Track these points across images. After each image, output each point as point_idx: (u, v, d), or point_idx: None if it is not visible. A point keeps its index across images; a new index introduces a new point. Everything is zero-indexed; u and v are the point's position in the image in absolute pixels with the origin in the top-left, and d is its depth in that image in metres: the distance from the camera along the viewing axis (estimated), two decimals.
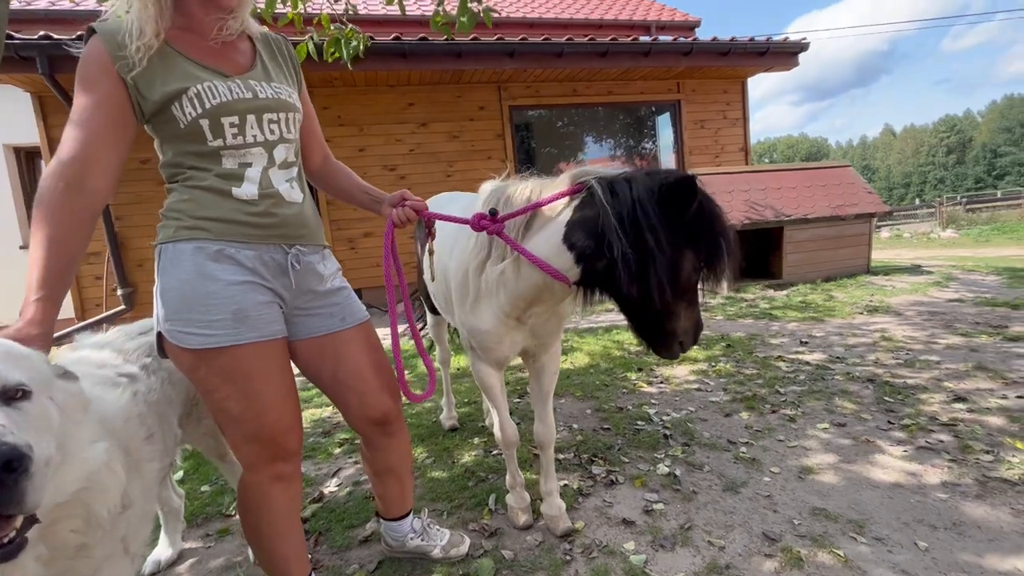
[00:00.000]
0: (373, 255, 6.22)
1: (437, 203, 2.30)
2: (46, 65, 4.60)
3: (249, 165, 1.15)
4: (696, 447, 2.20)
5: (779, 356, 3.31)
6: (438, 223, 1.54)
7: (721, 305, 5.01)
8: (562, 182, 1.35)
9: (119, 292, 5.48)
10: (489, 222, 1.35)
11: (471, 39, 5.72)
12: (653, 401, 2.73)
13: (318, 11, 3.67)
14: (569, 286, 1.32)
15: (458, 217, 1.43)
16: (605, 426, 2.47)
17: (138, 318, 1.47)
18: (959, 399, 2.45)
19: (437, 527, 1.64)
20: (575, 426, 2.50)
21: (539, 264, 1.31)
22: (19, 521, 0.58)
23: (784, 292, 5.35)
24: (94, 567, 0.79)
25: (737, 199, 5.53)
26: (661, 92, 7.33)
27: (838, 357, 3.19)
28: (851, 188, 5.99)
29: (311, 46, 3.41)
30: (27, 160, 7.43)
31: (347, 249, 6.25)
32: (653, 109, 7.64)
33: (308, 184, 1.36)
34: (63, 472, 0.68)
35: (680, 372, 3.19)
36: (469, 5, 3.16)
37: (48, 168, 1.00)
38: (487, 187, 1.62)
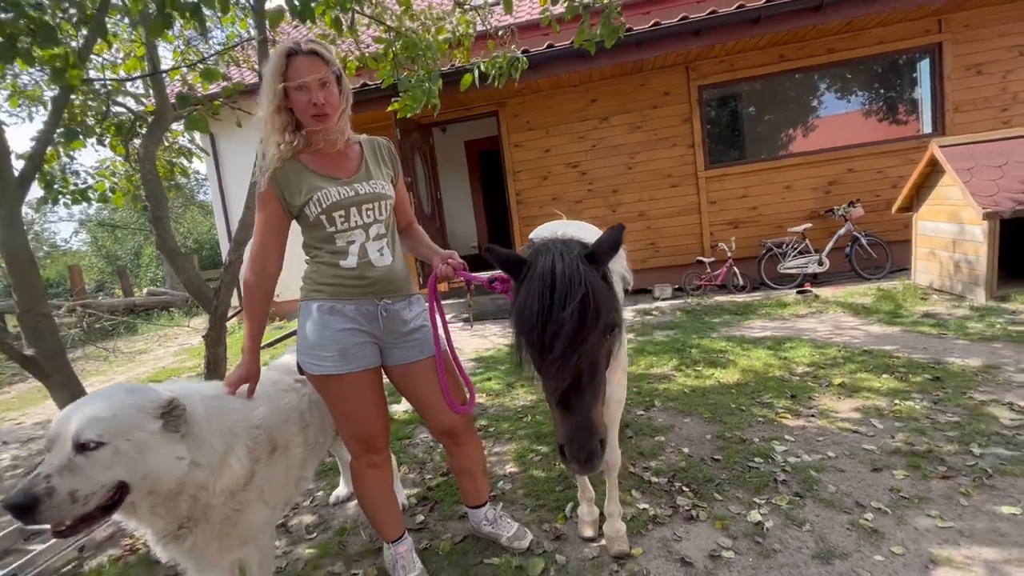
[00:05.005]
0: None
1: (537, 234, 2.53)
2: None
3: (352, 242, 1.60)
4: (809, 500, 1.97)
5: (1009, 403, 2.52)
6: None
7: (962, 319, 3.88)
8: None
9: None
10: (498, 283, 1.53)
11: (651, 25, 5.51)
12: (788, 437, 2.46)
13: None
14: None
15: (481, 276, 1.65)
16: (716, 456, 2.37)
17: None
18: None
19: (508, 519, 1.96)
20: (685, 450, 2.46)
21: None
22: (68, 520, 1.10)
23: None
24: (240, 507, 1.37)
25: (1011, 176, 4.09)
26: (911, 37, 5.76)
27: None
28: None
29: (476, 74, 3.90)
30: None
31: None
32: (901, 60, 6.04)
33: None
34: (152, 480, 1.18)
35: (844, 406, 2.73)
36: (611, 21, 3.21)
37: (246, 263, 1.61)
38: (548, 226, 1.80)
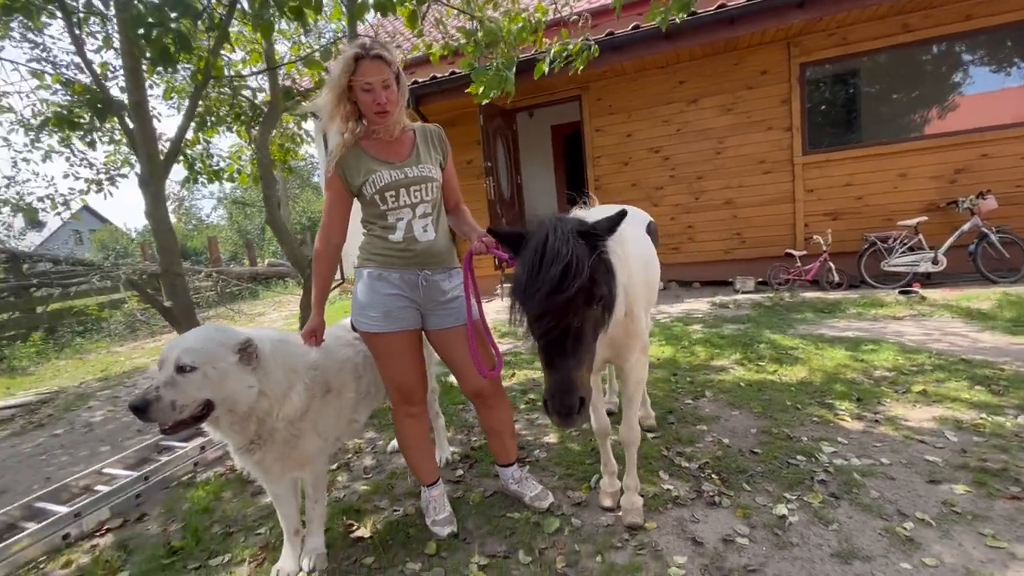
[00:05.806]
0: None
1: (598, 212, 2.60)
2: (414, 101, 6.67)
3: (401, 219, 1.81)
4: (845, 502, 1.89)
5: None
6: None
7: None
8: None
9: None
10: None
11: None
12: (841, 440, 2.33)
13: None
14: None
15: (502, 253, 1.77)
16: (756, 450, 2.32)
17: None
18: None
19: (533, 481, 2.11)
20: (725, 441, 2.43)
21: None
22: (169, 423, 1.42)
23: None
24: (298, 433, 1.67)
25: None
26: None
27: None
28: None
29: (547, 64, 3.97)
30: None
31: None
32: None
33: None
34: (230, 401, 1.48)
35: (918, 414, 2.50)
36: None
37: (317, 235, 1.89)
38: (596, 210, 1.92)
